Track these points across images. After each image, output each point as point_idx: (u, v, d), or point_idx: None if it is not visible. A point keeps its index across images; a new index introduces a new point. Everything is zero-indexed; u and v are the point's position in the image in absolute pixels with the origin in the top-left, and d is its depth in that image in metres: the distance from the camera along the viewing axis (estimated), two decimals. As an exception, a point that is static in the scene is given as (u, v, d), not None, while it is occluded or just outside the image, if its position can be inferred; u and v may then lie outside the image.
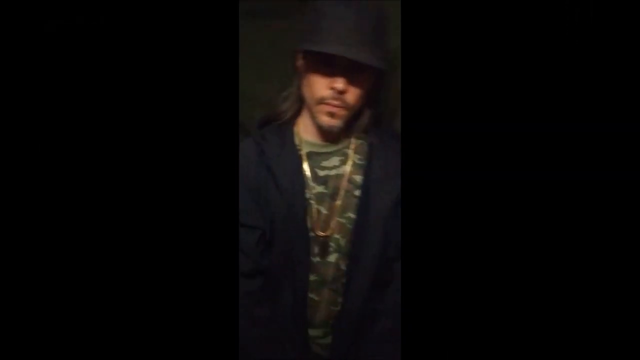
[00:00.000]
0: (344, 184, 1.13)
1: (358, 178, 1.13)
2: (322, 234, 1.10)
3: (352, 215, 1.11)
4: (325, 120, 1.09)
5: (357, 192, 1.12)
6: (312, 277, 1.11)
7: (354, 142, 1.16)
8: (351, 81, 1.06)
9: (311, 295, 1.11)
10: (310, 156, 1.15)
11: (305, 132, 1.16)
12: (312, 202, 1.12)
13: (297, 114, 1.16)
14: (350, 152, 1.16)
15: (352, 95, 1.07)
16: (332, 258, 1.11)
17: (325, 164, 1.15)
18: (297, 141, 1.15)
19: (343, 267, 1.11)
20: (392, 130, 1.23)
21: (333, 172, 1.14)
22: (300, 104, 1.15)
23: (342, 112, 1.08)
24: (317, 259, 1.11)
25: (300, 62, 1.10)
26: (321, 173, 1.14)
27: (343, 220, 1.12)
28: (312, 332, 1.13)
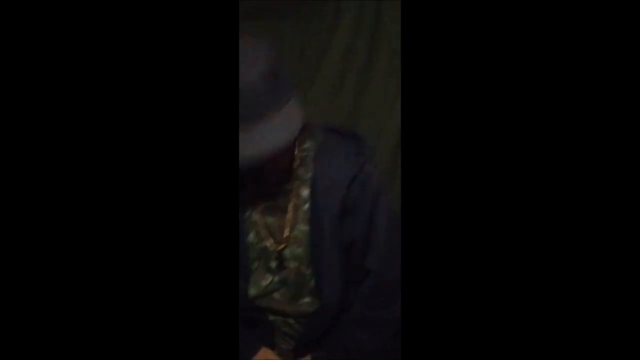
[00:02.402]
0: (292, 199, 1.12)
1: (305, 192, 1.12)
2: (278, 247, 1.12)
3: (303, 227, 1.12)
4: None
5: (306, 206, 1.11)
6: (274, 279, 1.13)
7: (297, 156, 1.12)
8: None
9: (275, 295, 1.14)
10: None
11: None
12: (256, 215, 1.13)
13: None
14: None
15: None
16: (292, 264, 1.12)
17: None
18: None
19: (306, 271, 1.12)
20: (344, 129, 1.20)
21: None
22: None
23: None
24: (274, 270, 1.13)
25: None
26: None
27: (296, 233, 1.12)
28: (276, 318, 1.15)
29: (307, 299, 1.14)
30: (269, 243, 1.12)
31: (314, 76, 1.50)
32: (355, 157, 1.10)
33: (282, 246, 1.12)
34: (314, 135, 1.14)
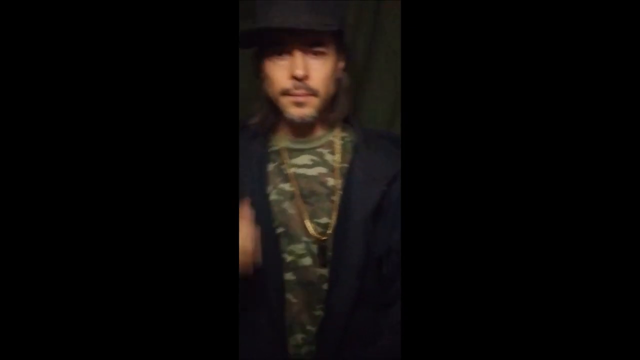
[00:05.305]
0: (316, 186, 1.07)
1: (332, 181, 1.07)
2: (320, 237, 1.04)
3: (327, 220, 1.05)
4: (294, 111, 1.02)
5: (333, 197, 1.05)
6: (287, 276, 1.05)
7: (331, 141, 1.10)
8: (311, 65, 1.00)
9: (288, 295, 1.05)
10: (281, 153, 1.09)
11: (283, 130, 1.11)
12: (273, 198, 1.06)
13: (275, 119, 1.10)
14: (325, 151, 1.10)
15: (317, 80, 1.00)
16: (307, 261, 1.05)
17: (294, 161, 1.09)
18: (272, 140, 1.11)
19: (322, 272, 1.05)
20: (382, 130, 1.19)
21: (301, 171, 1.08)
22: (273, 107, 1.07)
23: (310, 100, 1.01)
24: (304, 261, 1.05)
25: (260, 63, 1.05)
26: (287, 170, 1.07)
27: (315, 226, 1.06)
28: (291, 341, 1.05)
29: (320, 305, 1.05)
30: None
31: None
32: (396, 157, 1.04)
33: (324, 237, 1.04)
34: (355, 128, 1.11)
